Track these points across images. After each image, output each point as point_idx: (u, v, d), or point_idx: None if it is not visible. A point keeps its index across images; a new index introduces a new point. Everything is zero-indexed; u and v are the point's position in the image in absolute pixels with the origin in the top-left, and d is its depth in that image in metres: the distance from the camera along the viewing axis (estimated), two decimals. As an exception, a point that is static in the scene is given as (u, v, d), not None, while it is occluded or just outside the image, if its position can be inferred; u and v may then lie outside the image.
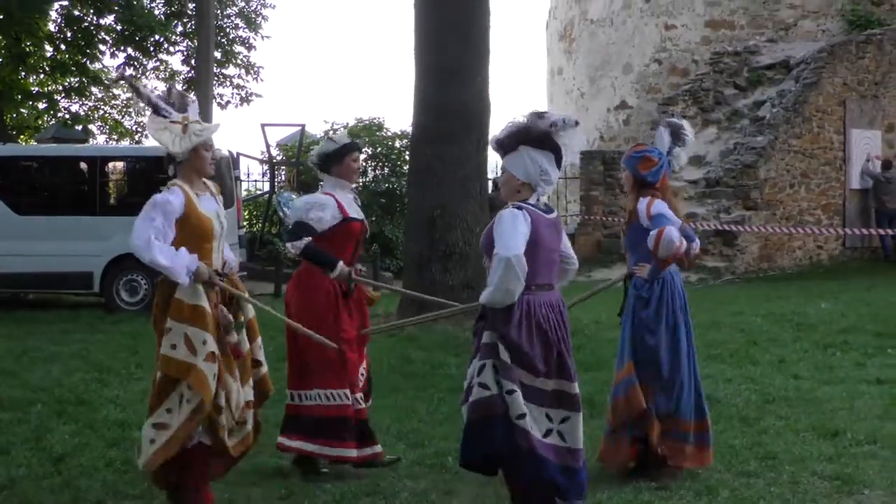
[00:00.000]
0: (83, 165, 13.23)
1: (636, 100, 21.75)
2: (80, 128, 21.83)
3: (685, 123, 5.85)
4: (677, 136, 5.69)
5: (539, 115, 4.46)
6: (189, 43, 22.96)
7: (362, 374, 5.74)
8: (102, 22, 22.01)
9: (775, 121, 17.41)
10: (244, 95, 24.37)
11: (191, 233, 4.65)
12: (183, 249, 4.56)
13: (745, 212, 16.70)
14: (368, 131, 18.76)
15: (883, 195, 17.80)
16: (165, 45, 23.04)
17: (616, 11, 22.09)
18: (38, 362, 8.98)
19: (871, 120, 18.41)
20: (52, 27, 22.08)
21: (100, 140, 25.41)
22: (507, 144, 4.47)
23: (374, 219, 17.19)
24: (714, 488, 5.20)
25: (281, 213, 6.15)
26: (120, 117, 26.53)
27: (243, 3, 24.12)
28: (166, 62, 24.13)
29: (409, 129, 12.10)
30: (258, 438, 5.04)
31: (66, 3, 21.51)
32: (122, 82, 24.60)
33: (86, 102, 25.31)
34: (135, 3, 21.15)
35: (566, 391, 4.41)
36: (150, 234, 4.48)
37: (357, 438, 5.50)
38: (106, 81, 24.72)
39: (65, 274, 12.34)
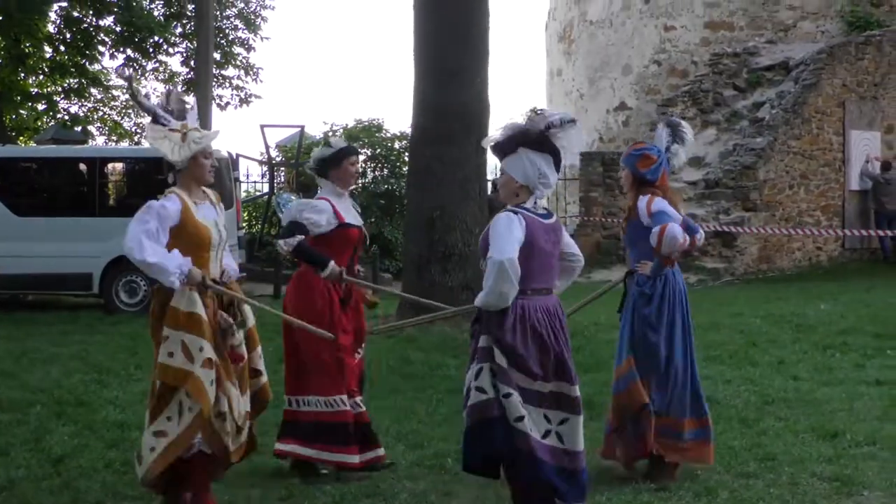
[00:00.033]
0: (82, 167, 13.24)
1: (635, 101, 21.75)
2: (79, 129, 21.85)
3: (684, 122, 5.86)
4: (676, 134, 5.69)
5: (536, 114, 4.47)
6: (188, 44, 22.96)
7: (359, 352, 5.74)
8: (102, 23, 22.01)
9: (774, 122, 17.41)
10: (243, 97, 24.38)
11: (188, 241, 4.63)
12: (176, 251, 4.55)
13: (745, 213, 16.70)
14: (368, 132, 18.76)
15: (882, 196, 17.81)
16: (165, 47, 23.04)
17: (615, 13, 22.10)
18: (38, 363, 8.98)
19: (871, 121, 18.41)
20: (51, 28, 22.09)
21: (99, 141, 25.43)
22: (507, 147, 4.47)
23: (373, 220, 17.19)
24: (713, 489, 5.20)
25: (280, 215, 6.16)
26: (119, 118, 26.56)
27: (242, 5, 24.12)
28: (165, 63, 24.18)
29: (409, 131, 12.10)
30: (252, 449, 5.01)
31: (65, 4, 21.51)
32: (122, 82, 24.55)
33: (85, 104, 25.34)
34: (134, 4, 21.15)
35: (566, 393, 4.41)
36: (142, 236, 4.47)
37: (359, 442, 5.50)
38: (105, 83, 24.73)
39: (64, 275, 12.34)
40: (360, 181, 17.95)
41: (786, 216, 17.21)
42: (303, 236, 5.45)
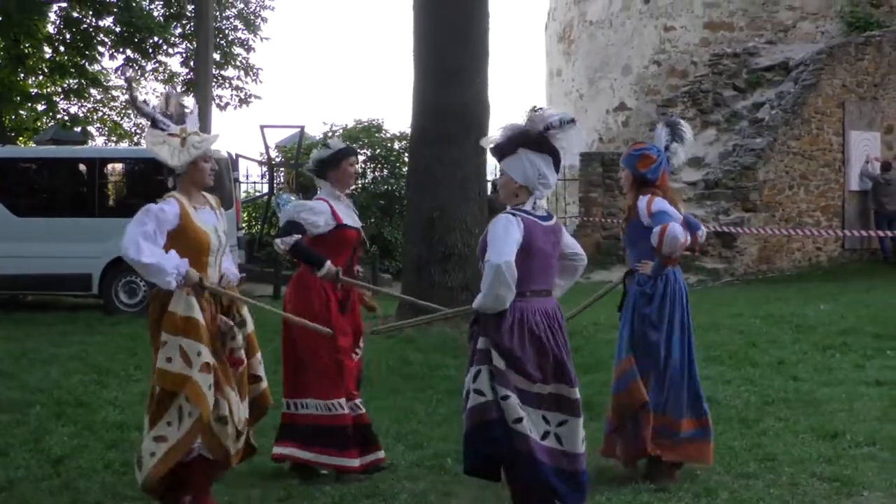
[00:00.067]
0: (82, 167, 13.23)
1: (635, 101, 21.74)
2: (78, 129, 21.84)
3: (682, 121, 5.85)
4: (675, 133, 5.68)
5: (536, 113, 4.47)
6: (188, 45, 22.96)
7: (357, 352, 5.73)
8: (101, 24, 22.01)
9: (774, 122, 17.41)
10: (243, 97, 24.39)
11: (186, 245, 4.62)
12: (173, 252, 4.54)
13: (744, 213, 16.70)
14: (367, 133, 18.76)
15: (882, 197, 17.81)
16: (164, 47, 23.06)
17: (615, 13, 22.10)
18: (37, 364, 8.98)
19: (870, 122, 18.41)
20: (50, 29, 22.10)
21: (99, 142, 25.42)
22: (506, 148, 4.46)
23: (373, 220, 17.18)
24: (713, 490, 5.20)
25: (279, 215, 6.16)
26: (119, 119, 26.54)
27: (242, 5, 24.13)
28: (165, 64, 24.19)
29: (408, 131, 12.10)
30: (250, 454, 4.99)
31: (64, 4, 21.52)
32: (121, 83, 24.57)
33: (85, 104, 25.34)
34: (134, 4, 21.16)
35: (565, 395, 4.40)
36: (140, 238, 4.46)
37: (359, 445, 5.49)
38: (105, 83, 24.73)
39: (64, 276, 12.34)
40: (359, 182, 17.95)
41: (785, 217, 17.21)
42: (300, 236, 5.45)
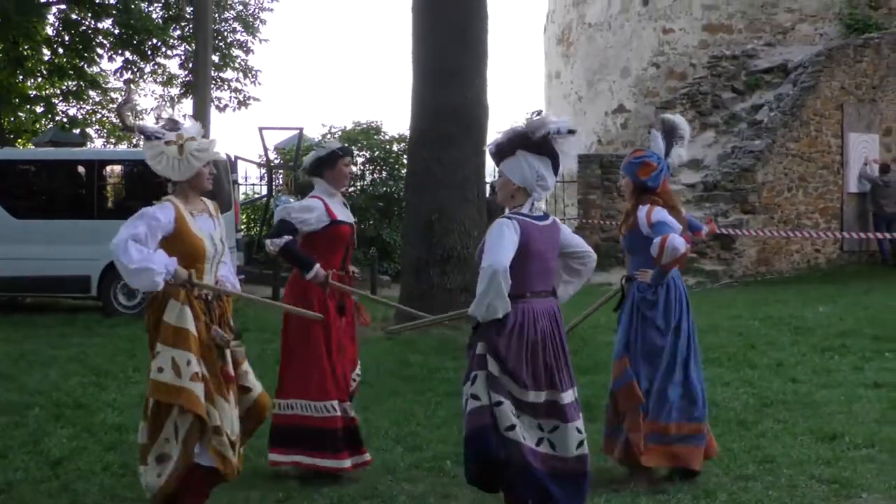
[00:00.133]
0: (81, 169, 13.21)
1: (634, 103, 21.75)
2: (77, 131, 21.82)
3: (677, 118, 5.75)
4: (673, 135, 5.65)
5: (537, 118, 4.46)
6: (187, 47, 22.94)
7: (355, 379, 5.73)
8: (100, 26, 22.00)
9: (773, 124, 17.42)
10: (242, 99, 24.37)
11: (181, 250, 4.60)
12: (161, 251, 4.52)
13: (743, 215, 16.71)
14: (366, 135, 18.76)
15: (881, 199, 17.81)
16: (163, 49, 23.03)
17: (614, 15, 22.11)
18: (36, 366, 8.97)
19: (869, 123, 18.42)
20: (49, 31, 22.07)
21: (97, 143, 25.39)
22: (505, 149, 4.47)
23: (371, 222, 17.18)
24: (712, 492, 5.20)
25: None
26: (118, 121, 26.50)
27: (241, 7, 24.12)
28: (164, 66, 24.18)
29: (407, 133, 12.10)
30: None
31: (63, 6, 21.51)
32: (120, 84, 24.56)
33: (83, 106, 25.33)
34: (132, 6, 21.14)
35: (556, 401, 4.40)
36: (130, 240, 4.45)
37: (349, 447, 5.48)
38: (104, 85, 24.71)
39: (62, 277, 12.33)
40: (358, 183, 17.97)
41: (784, 218, 17.21)
42: (290, 236, 5.44)
